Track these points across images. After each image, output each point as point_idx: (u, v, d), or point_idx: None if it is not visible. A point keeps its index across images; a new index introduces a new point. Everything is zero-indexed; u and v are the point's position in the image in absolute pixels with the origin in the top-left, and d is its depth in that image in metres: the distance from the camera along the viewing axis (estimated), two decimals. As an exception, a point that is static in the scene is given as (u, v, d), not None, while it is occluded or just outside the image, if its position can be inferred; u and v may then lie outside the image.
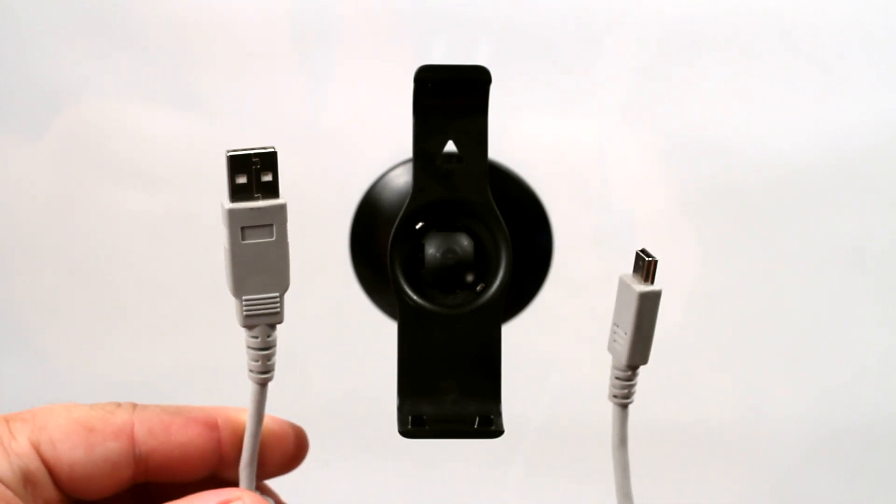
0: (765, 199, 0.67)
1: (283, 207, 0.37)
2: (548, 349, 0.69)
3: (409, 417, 0.41)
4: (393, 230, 0.42)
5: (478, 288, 0.42)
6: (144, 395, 0.64)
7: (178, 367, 0.69)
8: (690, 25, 0.65)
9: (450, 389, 0.42)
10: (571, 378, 0.69)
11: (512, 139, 0.62)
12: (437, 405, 0.41)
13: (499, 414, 0.41)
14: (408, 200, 0.41)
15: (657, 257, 0.38)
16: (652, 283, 0.38)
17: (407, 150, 0.41)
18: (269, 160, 0.37)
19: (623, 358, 0.39)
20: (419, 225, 0.42)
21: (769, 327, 0.69)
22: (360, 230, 0.51)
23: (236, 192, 0.37)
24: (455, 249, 0.42)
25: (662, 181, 0.67)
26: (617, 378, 0.39)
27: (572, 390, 0.69)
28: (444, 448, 0.63)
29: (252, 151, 0.37)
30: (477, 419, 0.41)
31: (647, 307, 0.38)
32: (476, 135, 0.41)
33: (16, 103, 0.67)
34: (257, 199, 0.37)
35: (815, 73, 0.65)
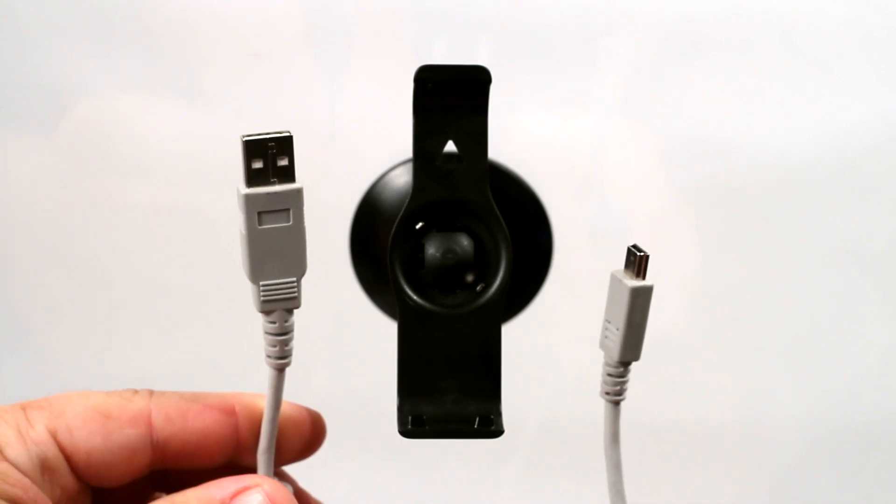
0: (765, 199, 0.67)
1: (299, 192, 0.37)
2: (547, 349, 0.69)
3: (409, 417, 0.41)
4: (393, 230, 0.42)
5: (478, 288, 0.42)
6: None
7: (186, 363, 0.69)
8: (690, 25, 0.65)
9: (450, 389, 0.42)
10: (571, 378, 0.69)
11: (512, 139, 0.62)
12: (437, 405, 0.41)
13: (499, 414, 0.41)
14: (408, 200, 0.42)
15: (649, 252, 0.37)
16: (643, 278, 0.38)
17: (407, 150, 0.41)
18: (284, 144, 0.37)
19: (615, 354, 0.39)
20: (419, 225, 0.42)
21: (769, 327, 0.69)
22: (360, 230, 0.51)
23: (252, 178, 0.37)
24: (455, 249, 0.42)
25: (662, 181, 0.67)
26: (609, 375, 0.39)
27: (572, 390, 0.69)
28: (444, 448, 0.63)
29: (268, 136, 0.37)
30: (477, 419, 0.41)
31: (639, 302, 0.38)
32: (476, 135, 0.41)
33: (22, 102, 0.67)
34: (273, 183, 0.37)
35: (815, 73, 0.65)
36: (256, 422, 0.41)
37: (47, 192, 0.68)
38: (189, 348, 0.69)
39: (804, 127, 0.66)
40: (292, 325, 0.38)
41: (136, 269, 0.69)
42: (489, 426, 0.41)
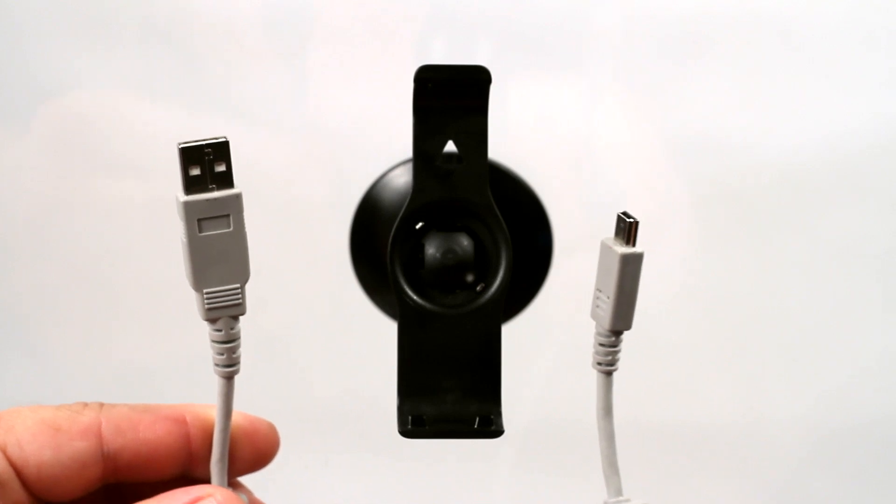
0: (765, 198, 0.67)
1: (238, 197, 0.37)
2: (548, 349, 0.69)
3: (409, 417, 0.41)
4: (393, 230, 0.42)
5: (478, 288, 0.42)
6: (141, 386, 0.64)
7: (175, 357, 0.69)
8: (690, 25, 0.65)
9: (450, 389, 0.42)
10: (571, 378, 0.69)
11: (512, 139, 0.62)
12: (437, 405, 0.41)
13: (499, 414, 0.42)
14: (408, 201, 0.42)
15: (638, 218, 0.37)
16: (633, 245, 0.38)
17: (407, 150, 0.41)
18: (221, 150, 0.36)
19: (606, 323, 0.38)
20: (419, 225, 0.42)
21: (769, 327, 0.69)
22: (360, 230, 0.51)
23: (190, 185, 0.36)
24: (455, 249, 0.42)
25: (662, 181, 0.67)
26: (601, 344, 0.39)
27: (572, 390, 0.69)
28: (444, 448, 0.63)
29: (204, 142, 0.36)
30: (477, 419, 0.41)
31: (630, 270, 0.38)
32: (476, 135, 0.41)
33: (4, 96, 0.67)
34: (212, 189, 0.36)
35: (815, 73, 0.65)
36: (208, 432, 0.41)
37: (28, 188, 0.68)
38: (177, 344, 0.69)
39: (804, 127, 0.66)
40: (238, 333, 0.38)
41: (123, 265, 0.69)
42: (489, 426, 0.41)
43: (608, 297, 0.38)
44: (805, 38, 0.65)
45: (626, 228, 0.38)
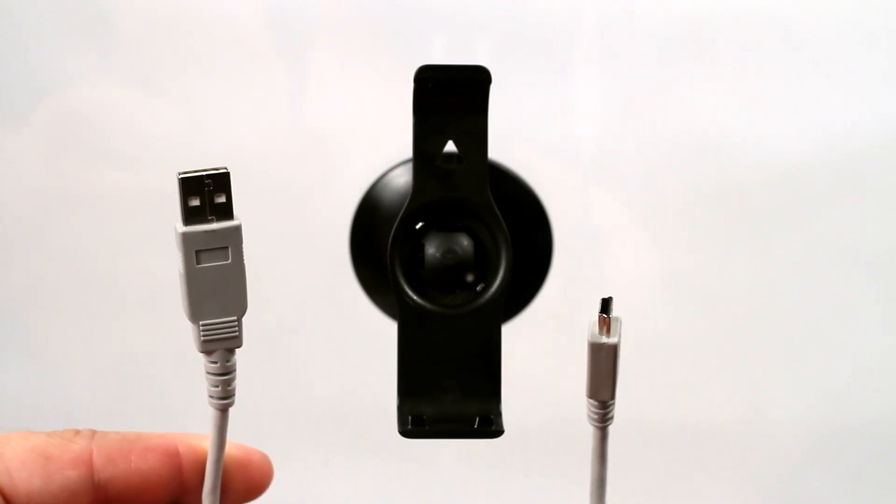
0: (765, 198, 0.67)
1: (237, 229, 0.36)
2: (547, 349, 0.69)
3: (409, 417, 0.41)
4: (393, 230, 0.42)
5: (478, 288, 0.42)
6: (141, 383, 0.64)
7: (175, 353, 0.69)
8: (690, 25, 0.65)
9: (450, 389, 0.42)
10: (571, 378, 0.69)
11: (512, 139, 0.62)
12: (437, 405, 0.41)
13: (499, 414, 0.42)
14: (408, 201, 0.42)
15: (619, 315, 0.36)
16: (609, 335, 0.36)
17: (407, 151, 0.41)
18: (221, 181, 0.36)
19: (585, 388, 0.38)
20: (419, 225, 0.42)
21: (769, 327, 0.69)
22: (360, 230, 0.51)
23: (189, 215, 0.36)
24: (455, 249, 0.42)
25: (662, 180, 0.67)
26: (589, 402, 0.38)
27: (572, 390, 0.69)
28: (444, 448, 0.63)
29: (204, 173, 0.36)
30: (477, 419, 0.41)
31: (601, 357, 0.37)
32: (476, 135, 0.41)
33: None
34: (211, 221, 0.36)
35: (815, 73, 0.65)
36: (201, 463, 0.41)
37: (26, 183, 0.68)
38: (176, 338, 0.69)
39: (804, 127, 0.66)
40: (234, 365, 0.38)
41: (122, 260, 0.69)
42: (489, 426, 0.41)
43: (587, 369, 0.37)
44: (805, 38, 0.65)
45: (602, 321, 0.36)
